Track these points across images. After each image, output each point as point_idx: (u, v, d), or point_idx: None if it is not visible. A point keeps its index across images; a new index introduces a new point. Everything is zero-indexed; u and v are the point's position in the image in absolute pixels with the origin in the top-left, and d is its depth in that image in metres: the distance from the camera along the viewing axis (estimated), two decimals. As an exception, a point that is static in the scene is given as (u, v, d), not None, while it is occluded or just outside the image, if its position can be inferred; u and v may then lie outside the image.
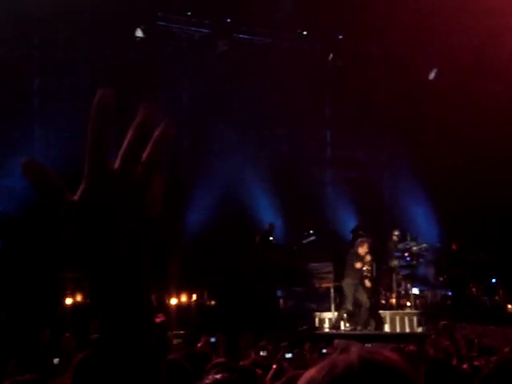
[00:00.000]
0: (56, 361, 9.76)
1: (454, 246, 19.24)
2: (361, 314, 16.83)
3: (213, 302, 18.06)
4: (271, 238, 18.54)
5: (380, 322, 17.02)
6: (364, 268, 17.02)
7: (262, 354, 11.62)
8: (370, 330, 16.65)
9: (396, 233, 18.88)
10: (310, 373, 1.85)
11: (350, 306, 16.87)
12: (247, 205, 20.03)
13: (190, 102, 20.17)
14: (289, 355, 10.94)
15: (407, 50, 19.66)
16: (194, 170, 19.80)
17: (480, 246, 19.72)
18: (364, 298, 16.78)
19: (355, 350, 1.84)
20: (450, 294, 18.85)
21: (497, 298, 18.63)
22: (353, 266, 16.76)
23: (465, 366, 7.52)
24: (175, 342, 14.83)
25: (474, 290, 18.98)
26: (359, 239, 17.28)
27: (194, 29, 19.79)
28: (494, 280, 19.23)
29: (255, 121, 20.52)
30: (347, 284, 16.82)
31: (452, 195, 20.49)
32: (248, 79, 20.18)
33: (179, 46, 19.79)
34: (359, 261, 16.78)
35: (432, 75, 20.67)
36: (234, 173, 20.06)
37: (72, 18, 17.43)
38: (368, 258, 17.01)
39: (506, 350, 9.87)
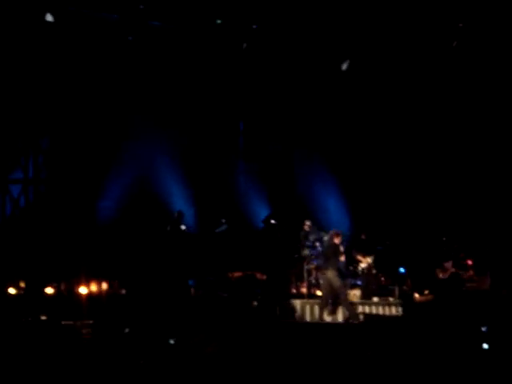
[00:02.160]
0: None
1: (362, 236, 19.46)
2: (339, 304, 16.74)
3: (123, 291, 17.82)
4: (183, 227, 18.40)
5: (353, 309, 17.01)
6: (342, 259, 17.07)
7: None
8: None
9: (307, 223, 18.98)
10: None
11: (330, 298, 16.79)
12: (160, 194, 19.87)
13: (100, 90, 19.83)
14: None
15: (320, 41, 19.75)
16: (107, 158, 19.52)
17: (388, 236, 20.02)
18: (341, 289, 16.74)
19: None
20: (359, 283, 19.06)
21: (405, 287, 18.95)
22: (337, 258, 16.70)
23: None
24: (84, 331, 14.61)
25: (382, 279, 19.25)
26: (333, 230, 17.14)
27: (105, 14, 19.42)
28: (402, 270, 19.56)
29: (168, 109, 20.33)
30: (334, 276, 16.68)
31: (363, 186, 20.75)
32: (160, 67, 19.96)
33: (89, 31, 19.42)
34: (341, 252, 16.81)
35: (344, 66, 20.81)
36: (147, 162, 19.88)
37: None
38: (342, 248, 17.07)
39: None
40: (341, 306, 16.72)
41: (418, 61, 20.30)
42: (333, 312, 16.79)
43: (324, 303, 16.78)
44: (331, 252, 16.72)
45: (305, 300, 17.68)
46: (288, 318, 16.79)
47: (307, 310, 17.34)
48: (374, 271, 18.81)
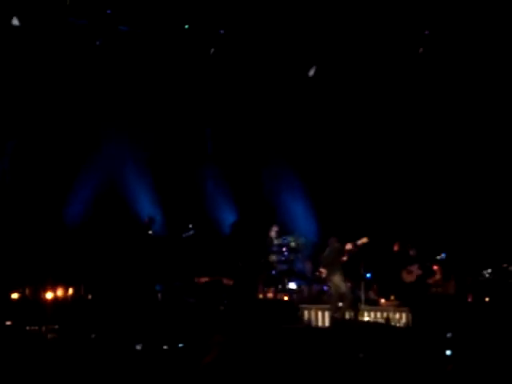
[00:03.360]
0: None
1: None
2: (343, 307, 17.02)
3: (90, 296, 17.74)
4: (150, 232, 18.36)
5: (358, 311, 17.17)
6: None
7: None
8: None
9: (274, 228, 19.05)
10: None
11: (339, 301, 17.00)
12: (127, 198, 19.84)
13: (69, 94, 19.76)
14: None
15: (287, 46, 19.83)
16: (74, 162, 19.47)
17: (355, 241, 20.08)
18: (347, 291, 17.05)
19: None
20: (325, 288, 19.12)
21: (371, 292, 19.02)
22: (340, 262, 16.96)
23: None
24: (49, 336, 14.58)
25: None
26: (333, 237, 17.33)
27: (72, 18, 19.35)
28: (368, 275, 19.63)
29: (136, 114, 20.29)
30: (340, 280, 16.94)
31: (330, 191, 20.79)
32: (128, 72, 19.94)
33: (57, 35, 19.35)
34: (342, 256, 17.09)
35: (311, 72, 20.89)
36: (115, 166, 19.85)
37: None
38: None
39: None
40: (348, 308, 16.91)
41: (384, 68, 20.46)
42: (343, 316, 16.96)
43: (334, 308, 16.94)
44: (335, 257, 16.97)
45: (312, 306, 17.72)
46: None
47: (317, 315, 17.40)
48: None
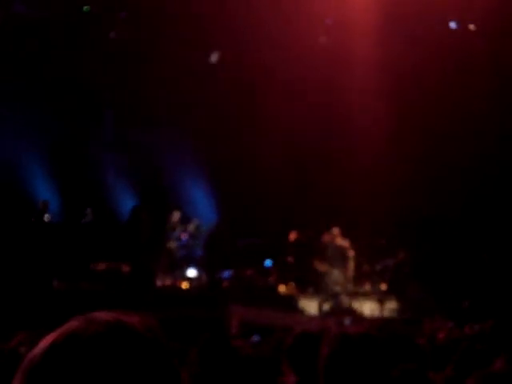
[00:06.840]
0: None
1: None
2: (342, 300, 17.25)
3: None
4: (47, 217, 17.97)
5: None
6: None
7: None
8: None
9: (175, 214, 18.94)
10: (49, 340, 1.70)
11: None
12: (23, 184, 19.46)
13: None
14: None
15: (189, 33, 19.72)
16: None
17: (254, 230, 20.14)
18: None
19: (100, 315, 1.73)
20: (226, 275, 19.14)
21: (270, 279, 19.10)
22: (343, 255, 17.28)
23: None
24: None
25: (248, 272, 19.38)
26: (336, 229, 17.33)
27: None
28: (268, 262, 19.72)
29: (28, 99, 19.89)
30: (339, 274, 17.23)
31: (231, 179, 20.71)
32: (24, 53, 19.53)
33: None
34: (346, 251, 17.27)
35: (214, 58, 20.79)
36: (11, 150, 19.43)
37: None
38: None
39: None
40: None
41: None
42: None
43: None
44: (339, 251, 17.14)
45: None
46: None
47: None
48: None
